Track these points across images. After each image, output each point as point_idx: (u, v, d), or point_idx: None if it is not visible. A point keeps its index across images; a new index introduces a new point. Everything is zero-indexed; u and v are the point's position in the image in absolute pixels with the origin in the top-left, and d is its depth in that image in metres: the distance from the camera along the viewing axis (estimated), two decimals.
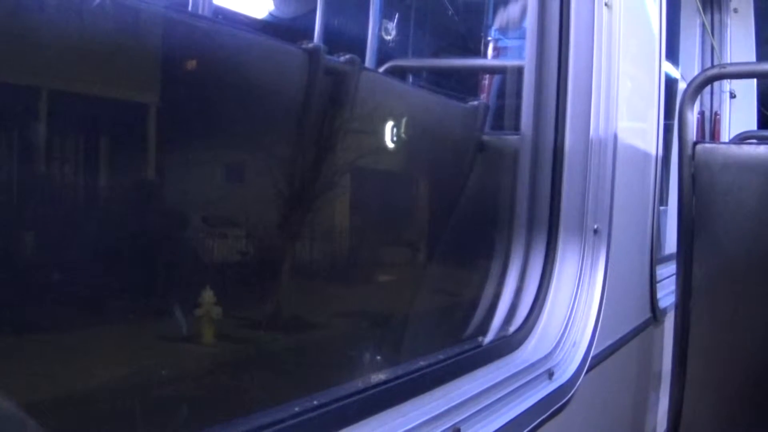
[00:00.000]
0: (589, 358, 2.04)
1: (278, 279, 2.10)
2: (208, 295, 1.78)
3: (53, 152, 1.55)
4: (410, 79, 3.45)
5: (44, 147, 1.50)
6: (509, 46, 4.73)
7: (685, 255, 2.90)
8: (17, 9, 1.32)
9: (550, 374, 1.92)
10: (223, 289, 1.85)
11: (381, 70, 3.25)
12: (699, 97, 4.20)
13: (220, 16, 3.23)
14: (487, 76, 4.58)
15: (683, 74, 5.69)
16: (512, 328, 2.04)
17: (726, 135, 6.06)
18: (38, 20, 1.35)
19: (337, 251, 2.43)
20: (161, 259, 1.74)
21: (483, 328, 2.05)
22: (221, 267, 2.01)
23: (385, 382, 1.46)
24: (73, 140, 1.58)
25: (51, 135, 1.50)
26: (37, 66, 1.40)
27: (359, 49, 4.03)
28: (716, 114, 6.17)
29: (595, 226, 2.15)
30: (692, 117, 2.99)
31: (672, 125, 4.03)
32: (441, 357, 1.69)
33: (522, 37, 2.39)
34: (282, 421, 1.19)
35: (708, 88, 5.82)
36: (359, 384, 1.42)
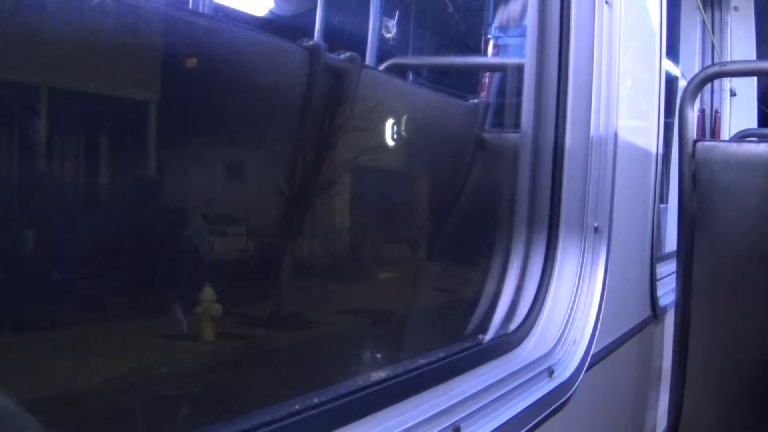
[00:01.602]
0: (590, 357, 2.04)
1: (279, 277, 2.10)
2: (208, 293, 1.77)
3: (52, 149, 1.54)
4: (410, 76, 3.45)
5: (43, 144, 1.50)
6: (509, 43, 4.73)
7: (685, 253, 2.90)
8: (16, 6, 1.32)
9: (550, 372, 1.92)
10: (223, 286, 1.85)
11: (381, 67, 3.25)
12: (699, 95, 4.20)
13: (220, 14, 3.23)
14: (488, 74, 4.58)
15: (683, 72, 5.69)
16: (512, 326, 2.04)
17: (726, 133, 6.06)
18: (39, 18, 1.35)
19: (337, 249, 2.43)
20: (161, 257, 1.74)
21: (483, 326, 2.05)
22: (221, 265, 2.00)
23: (384, 380, 1.45)
24: (74, 138, 1.58)
25: (51, 132, 1.50)
26: (37, 64, 1.40)
27: (360, 46, 4.03)
28: (716, 112, 6.17)
29: (596, 224, 2.15)
30: (692, 115, 2.99)
31: (672, 123, 4.03)
32: (441, 355, 1.69)
33: (522, 34, 2.39)
34: (282, 419, 1.19)
35: (708, 86, 5.82)
36: (359, 382, 1.41)
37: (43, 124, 1.47)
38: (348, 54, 2.18)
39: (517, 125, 2.25)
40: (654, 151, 2.79)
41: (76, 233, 1.54)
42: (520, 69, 2.21)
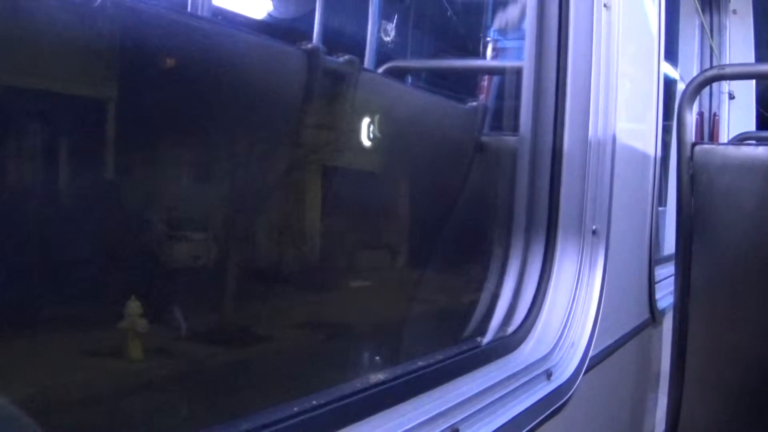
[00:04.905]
0: (588, 359, 2.05)
1: (244, 287, 1.98)
2: (133, 306, 1.60)
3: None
4: (409, 80, 3.46)
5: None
6: (508, 47, 4.74)
7: (683, 256, 2.90)
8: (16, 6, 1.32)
9: (548, 375, 1.92)
10: (166, 298, 1.72)
11: (380, 71, 3.25)
12: (698, 98, 4.20)
13: (219, 17, 3.23)
14: (486, 77, 4.59)
15: (682, 75, 5.69)
16: (511, 329, 2.04)
17: (725, 136, 6.06)
18: (41, 20, 1.36)
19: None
20: (88, 264, 1.59)
21: (482, 329, 2.05)
22: (169, 273, 1.82)
23: (383, 383, 1.46)
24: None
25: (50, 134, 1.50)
26: (40, 65, 1.41)
27: (358, 49, 4.03)
28: (715, 115, 6.17)
29: (594, 227, 2.15)
30: (691, 118, 2.99)
31: (671, 126, 4.04)
32: (440, 357, 1.69)
33: (521, 38, 2.39)
34: (281, 421, 1.19)
35: (707, 89, 5.82)
36: (358, 384, 1.42)
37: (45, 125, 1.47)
38: (347, 57, 2.18)
39: (515, 128, 2.25)
40: (652, 154, 2.79)
41: None
42: (518, 72, 2.22)
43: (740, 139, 4.70)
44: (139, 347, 1.64)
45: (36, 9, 1.35)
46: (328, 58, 2.10)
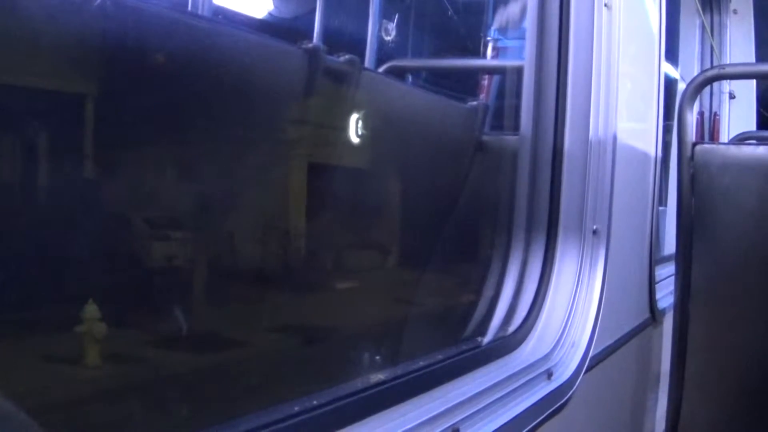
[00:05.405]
0: (588, 359, 2.04)
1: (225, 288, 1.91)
2: (90, 310, 1.50)
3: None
4: (410, 79, 3.46)
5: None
6: (508, 46, 4.74)
7: (684, 255, 2.90)
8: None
9: (549, 374, 1.92)
10: (126, 301, 1.62)
11: (380, 70, 3.25)
12: (698, 98, 4.20)
13: (219, 16, 3.23)
14: (487, 76, 4.58)
15: (683, 75, 5.69)
16: (511, 329, 2.04)
17: (725, 136, 6.07)
18: (40, 19, 1.36)
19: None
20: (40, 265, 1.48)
21: (482, 328, 2.05)
22: (136, 274, 1.72)
23: (384, 382, 1.46)
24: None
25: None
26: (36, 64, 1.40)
27: (359, 49, 4.03)
28: (715, 115, 6.17)
29: (594, 227, 2.15)
30: (691, 118, 2.99)
31: (671, 126, 4.04)
32: (440, 357, 1.69)
33: (521, 37, 2.39)
34: (281, 421, 1.19)
35: (707, 89, 5.82)
36: (358, 384, 1.42)
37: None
38: (347, 56, 2.18)
39: (516, 128, 2.25)
40: (653, 153, 2.79)
41: None
42: (519, 71, 2.21)
43: (741, 139, 4.70)
44: (97, 353, 1.54)
45: (36, 8, 1.35)
46: (329, 57, 2.10)
